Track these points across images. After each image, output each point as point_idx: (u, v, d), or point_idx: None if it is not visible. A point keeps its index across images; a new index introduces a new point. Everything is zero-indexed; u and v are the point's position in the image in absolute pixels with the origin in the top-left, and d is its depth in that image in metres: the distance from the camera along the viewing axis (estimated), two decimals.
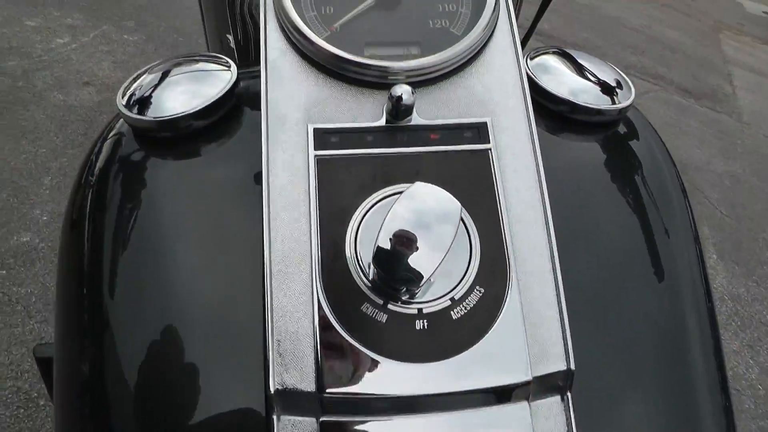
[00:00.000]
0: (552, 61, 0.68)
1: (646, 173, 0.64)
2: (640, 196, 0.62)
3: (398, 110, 0.49)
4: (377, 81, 0.52)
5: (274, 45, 0.53)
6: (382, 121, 0.50)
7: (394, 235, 0.43)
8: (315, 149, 0.49)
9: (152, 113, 0.57)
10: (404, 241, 0.43)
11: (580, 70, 0.67)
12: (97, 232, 0.56)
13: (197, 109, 0.57)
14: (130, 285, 0.54)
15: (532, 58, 0.67)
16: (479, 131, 0.50)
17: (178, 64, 0.63)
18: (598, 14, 5.53)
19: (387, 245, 0.43)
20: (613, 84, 0.66)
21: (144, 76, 0.62)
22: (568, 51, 0.70)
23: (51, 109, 3.00)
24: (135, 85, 0.61)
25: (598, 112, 0.63)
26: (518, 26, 1.02)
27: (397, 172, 0.49)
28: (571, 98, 0.62)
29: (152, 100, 0.59)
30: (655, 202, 0.62)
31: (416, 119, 0.50)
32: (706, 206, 3.35)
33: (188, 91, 0.60)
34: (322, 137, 0.49)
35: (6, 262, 2.25)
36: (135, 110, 0.58)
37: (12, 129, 2.83)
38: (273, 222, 0.47)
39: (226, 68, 0.63)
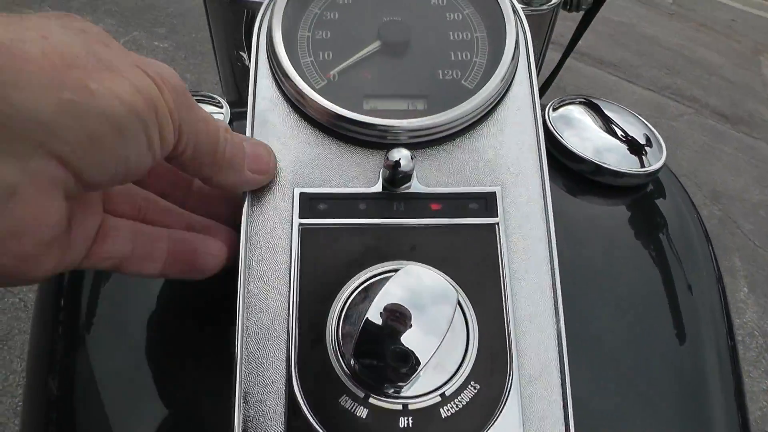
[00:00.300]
0: (577, 112, 0.62)
1: (674, 242, 0.58)
2: (666, 267, 0.56)
3: (395, 177, 0.43)
4: (376, 141, 0.46)
5: (263, 94, 0.48)
6: (377, 187, 0.45)
7: (385, 309, 0.38)
8: (300, 217, 0.44)
9: None
10: (397, 317, 0.39)
11: (608, 123, 0.61)
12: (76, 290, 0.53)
13: None
14: (100, 334, 0.52)
15: (555, 109, 0.62)
16: (486, 202, 0.45)
17: None
18: (634, 32, 5.41)
19: (377, 321, 0.38)
20: (643, 141, 0.60)
21: None
22: (595, 101, 0.64)
23: None
24: None
25: (624, 175, 0.57)
26: (552, 42, 0.97)
27: (390, 247, 0.43)
28: (596, 158, 0.57)
29: None
30: (682, 271, 0.57)
31: (416, 186, 0.45)
32: (739, 237, 3.23)
33: None
34: (309, 203, 0.44)
35: None
36: None
37: None
38: (247, 298, 0.42)
39: (218, 108, 0.59)
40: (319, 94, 0.46)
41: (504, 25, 0.51)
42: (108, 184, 0.34)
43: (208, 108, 0.60)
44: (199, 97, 0.61)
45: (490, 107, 0.48)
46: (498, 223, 0.44)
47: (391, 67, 0.50)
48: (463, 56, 0.50)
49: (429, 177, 0.46)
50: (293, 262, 0.43)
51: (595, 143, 0.58)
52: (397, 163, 0.43)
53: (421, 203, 0.45)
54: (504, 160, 0.47)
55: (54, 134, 0.28)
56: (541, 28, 0.88)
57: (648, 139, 0.61)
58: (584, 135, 0.59)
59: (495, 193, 0.45)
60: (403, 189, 0.45)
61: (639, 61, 4.89)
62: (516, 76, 0.50)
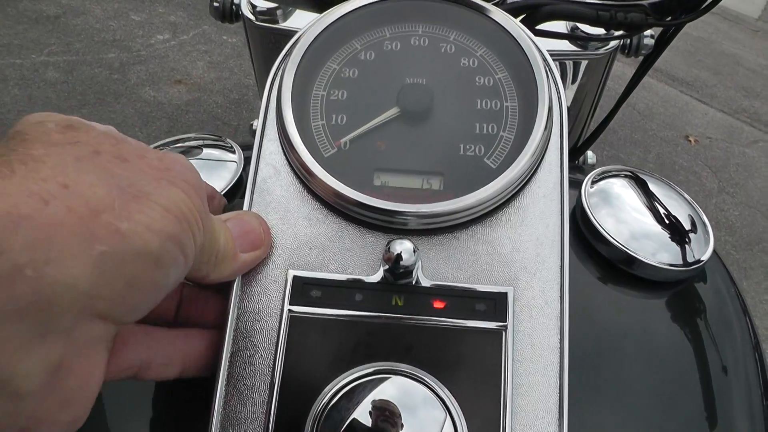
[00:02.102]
0: (618, 187, 0.56)
1: (713, 340, 0.52)
2: (704, 366, 0.50)
3: (394, 271, 0.39)
4: (382, 225, 0.43)
5: (268, 160, 0.45)
6: (377, 276, 0.41)
7: (374, 408, 0.36)
8: (290, 303, 0.41)
9: None
10: (387, 416, 0.36)
11: (651, 202, 0.55)
12: None
13: None
14: None
15: (595, 182, 0.56)
16: (496, 305, 0.40)
17: (181, 153, 0.57)
18: (714, 50, 5.14)
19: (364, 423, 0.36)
20: (688, 226, 0.54)
21: None
22: (641, 176, 0.58)
23: (140, 104, 3.10)
24: None
25: (658, 270, 0.51)
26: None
27: (383, 346, 0.39)
28: (630, 245, 0.51)
29: None
30: (722, 370, 0.50)
31: (420, 277, 0.41)
32: None
33: None
34: (302, 289, 0.41)
35: None
36: None
37: (101, 120, 2.90)
38: (227, 393, 0.39)
39: (230, 153, 0.56)
40: (325, 166, 0.43)
41: (536, 96, 0.46)
42: (148, 311, 0.32)
43: (220, 153, 0.58)
44: (210, 141, 0.59)
45: (512, 193, 0.43)
46: (506, 328, 0.40)
47: (408, 138, 0.46)
48: (489, 129, 0.46)
49: (435, 268, 0.42)
50: (279, 352, 0.40)
51: (632, 227, 0.52)
52: (398, 257, 0.39)
53: (423, 299, 0.41)
54: (521, 255, 0.42)
55: (93, 296, 0.27)
56: (597, 72, 0.82)
57: (694, 223, 0.54)
58: (622, 216, 0.53)
59: (506, 294, 0.41)
60: (405, 281, 0.41)
61: (715, 80, 4.65)
62: (545, 157, 0.45)
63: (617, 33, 0.71)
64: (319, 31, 0.49)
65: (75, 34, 3.55)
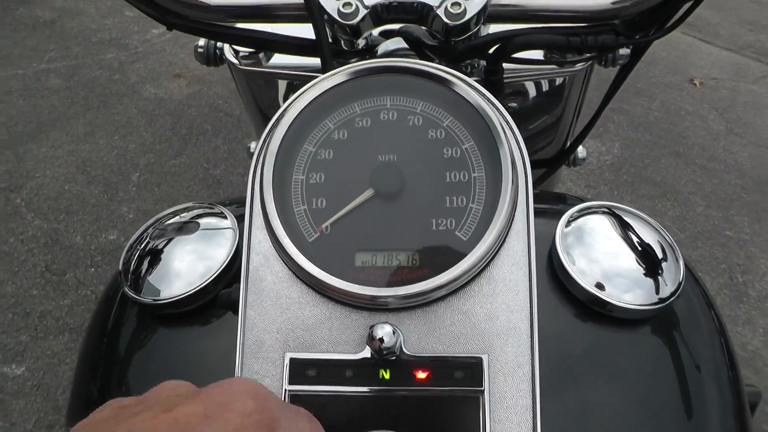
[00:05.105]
0: (595, 222, 0.60)
1: (698, 378, 0.56)
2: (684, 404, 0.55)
3: (379, 352, 0.44)
4: (365, 306, 0.47)
5: (257, 249, 0.49)
6: (365, 353, 0.46)
7: None
8: (289, 383, 0.46)
9: (150, 291, 0.57)
10: None
11: (627, 235, 0.59)
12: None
13: (193, 291, 0.56)
14: None
15: (570, 222, 0.59)
16: (472, 371, 0.45)
17: (178, 229, 0.62)
18: None
19: None
20: (660, 254, 0.57)
21: (143, 244, 0.62)
22: (616, 210, 0.61)
23: (142, 102, 3.13)
24: (136, 255, 0.61)
25: (626, 311, 0.55)
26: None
27: (373, 417, 0.45)
28: (605, 288, 0.55)
29: (154, 274, 0.59)
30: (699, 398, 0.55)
31: (403, 351, 0.46)
32: None
33: (193, 260, 0.59)
34: (299, 369, 0.46)
35: (95, 260, 2.40)
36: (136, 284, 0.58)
37: (106, 124, 2.99)
38: None
39: (223, 219, 0.62)
40: (308, 254, 0.47)
41: (500, 167, 0.49)
42: None
43: (216, 221, 0.62)
44: (202, 211, 0.63)
45: (483, 266, 0.47)
46: (483, 392, 0.45)
47: (384, 217, 0.50)
48: (459, 202, 0.50)
49: (417, 341, 0.46)
50: None
51: (603, 265, 0.56)
52: (381, 340, 0.44)
53: (407, 372, 0.45)
54: (494, 323, 0.46)
55: None
56: (576, 84, 0.84)
57: (663, 250, 0.58)
58: (594, 254, 0.57)
59: (482, 360, 0.45)
60: (389, 356, 0.45)
61: (718, 18, 4.53)
62: (513, 226, 0.49)
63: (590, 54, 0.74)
64: (294, 116, 0.52)
65: (72, 37, 3.58)
